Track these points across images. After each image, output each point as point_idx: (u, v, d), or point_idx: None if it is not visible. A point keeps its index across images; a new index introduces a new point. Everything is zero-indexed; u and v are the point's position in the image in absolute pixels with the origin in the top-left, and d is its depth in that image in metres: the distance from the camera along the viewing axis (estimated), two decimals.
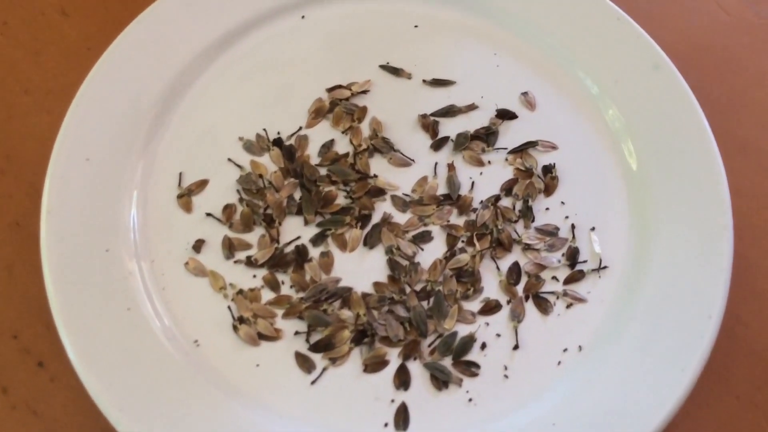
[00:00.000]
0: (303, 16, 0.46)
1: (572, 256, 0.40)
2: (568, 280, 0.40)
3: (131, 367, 0.36)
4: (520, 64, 0.45)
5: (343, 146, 0.43)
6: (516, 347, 0.38)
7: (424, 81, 0.45)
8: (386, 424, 0.36)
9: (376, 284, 0.39)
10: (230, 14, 0.45)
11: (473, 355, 0.38)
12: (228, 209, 0.41)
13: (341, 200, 0.41)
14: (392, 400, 0.37)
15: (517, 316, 0.39)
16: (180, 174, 0.42)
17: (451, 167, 0.42)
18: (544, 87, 0.45)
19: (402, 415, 0.36)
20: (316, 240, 0.40)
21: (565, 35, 0.45)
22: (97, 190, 0.40)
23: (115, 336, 0.36)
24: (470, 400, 0.37)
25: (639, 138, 0.42)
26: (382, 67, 0.45)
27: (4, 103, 0.46)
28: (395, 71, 0.45)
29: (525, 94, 0.44)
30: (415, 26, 0.46)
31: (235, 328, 0.38)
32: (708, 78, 0.47)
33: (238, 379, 0.37)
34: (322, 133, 0.43)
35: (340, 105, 0.44)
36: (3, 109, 0.45)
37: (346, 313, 0.38)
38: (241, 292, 0.39)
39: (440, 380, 0.37)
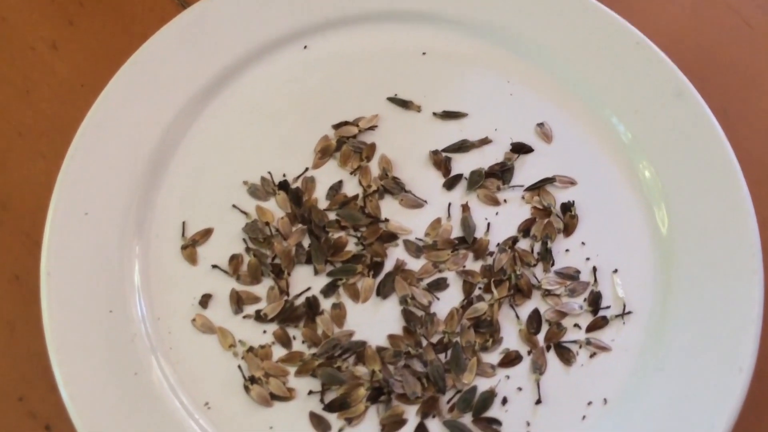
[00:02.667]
0: (305, 47, 0.44)
1: (594, 302, 0.38)
2: (591, 328, 0.38)
3: None
4: (534, 93, 0.43)
5: (351, 187, 0.41)
6: (539, 401, 0.37)
7: (434, 114, 0.43)
8: None
9: (391, 337, 0.38)
10: (228, 48, 0.43)
11: (494, 411, 0.36)
12: (234, 260, 0.39)
13: (352, 247, 0.40)
14: None
15: (538, 368, 0.37)
16: (183, 223, 0.40)
17: (465, 208, 0.40)
18: (561, 117, 0.42)
19: None
20: (327, 291, 0.39)
21: (580, 61, 0.42)
22: (97, 246, 0.38)
23: (123, 402, 0.35)
24: None
25: (663, 170, 0.40)
26: (390, 99, 0.43)
27: None
28: (404, 104, 0.43)
29: (541, 125, 0.42)
30: (423, 53, 0.44)
31: (246, 388, 0.37)
32: (732, 98, 0.45)
33: None
34: (329, 173, 0.41)
35: (348, 143, 0.42)
36: None
37: (361, 370, 0.37)
38: (251, 349, 0.37)
39: None
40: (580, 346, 0.38)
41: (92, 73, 0.45)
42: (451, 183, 0.41)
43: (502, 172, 0.41)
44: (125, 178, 0.40)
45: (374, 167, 0.41)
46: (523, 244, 0.40)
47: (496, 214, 0.41)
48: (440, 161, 0.42)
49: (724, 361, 0.35)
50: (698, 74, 0.43)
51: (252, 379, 0.37)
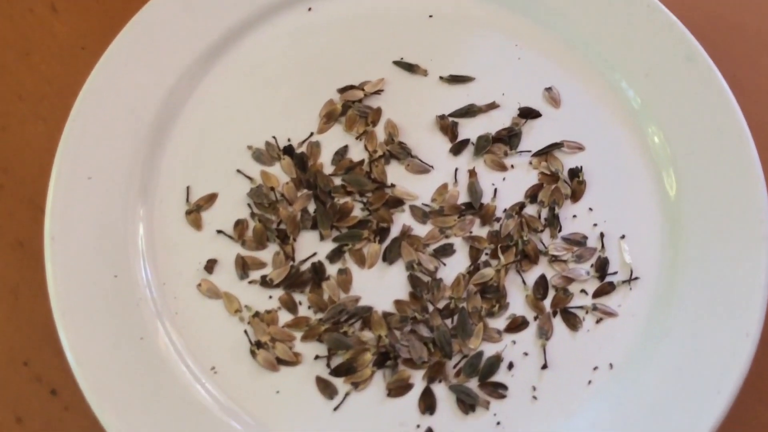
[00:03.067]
0: (309, 9, 0.43)
1: (601, 268, 0.38)
2: (598, 293, 0.38)
3: (147, 400, 0.35)
4: (542, 57, 0.42)
5: (357, 152, 0.41)
6: (544, 366, 0.37)
7: (441, 78, 0.42)
8: None
9: (398, 303, 0.38)
10: (232, 10, 0.42)
11: (500, 376, 0.36)
12: (240, 225, 0.39)
13: (358, 212, 0.39)
14: (418, 426, 0.36)
15: (544, 334, 0.37)
16: (187, 188, 0.40)
17: (472, 173, 0.40)
18: (569, 81, 0.42)
19: None
20: (333, 256, 0.38)
21: (590, 23, 0.42)
22: (101, 211, 0.38)
23: (129, 367, 0.35)
24: (498, 423, 0.36)
25: (672, 136, 0.40)
26: (396, 63, 0.42)
27: None
28: (410, 67, 0.42)
29: (549, 89, 0.42)
30: (430, 16, 0.43)
31: (252, 353, 0.37)
32: (742, 64, 0.44)
33: (258, 408, 0.36)
34: (334, 138, 0.41)
35: (353, 107, 0.41)
36: None
37: (368, 335, 0.37)
38: (257, 314, 0.37)
39: (467, 403, 0.36)
40: (587, 312, 0.38)
41: (92, 35, 0.45)
42: (457, 148, 0.41)
43: (509, 137, 0.41)
44: (128, 143, 0.39)
45: (380, 132, 0.41)
46: (530, 209, 0.40)
47: (503, 179, 0.40)
48: (447, 126, 0.41)
49: (730, 327, 0.35)
50: (709, 39, 0.42)
51: (258, 344, 0.37)
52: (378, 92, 0.42)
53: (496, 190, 0.40)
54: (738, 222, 0.37)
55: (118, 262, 0.37)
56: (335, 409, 0.36)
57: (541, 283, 0.38)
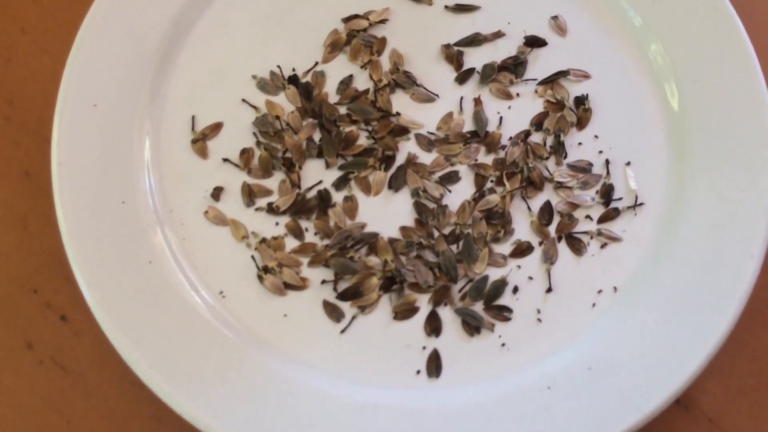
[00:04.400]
0: None
1: (606, 194, 0.38)
2: (603, 219, 0.38)
3: (157, 322, 0.35)
4: None
5: (362, 82, 0.41)
6: (549, 290, 0.37)
7: (446, 7, 0.42)
8: (418, 372, 0.36)
9: (403, 229, 0.38)
10: None
11: (505, 300, 0.37)
12: (245, 154, 0.39)
13: (363, 141, 0.40)
14: (424, 347, 0.36)
15: (549, 258, 0.37)
16: (193, 117, 0.40)
17: (477, 102, 0.40)
18: (575, 9, 0.42)
19: (434, 362, 0.36)
20: (339, 184, 0.39)
21: None
22: (107, 138, 0.38)
23: (139, 290, 0.36)
24: (503, 345, 0.36)
25: (679, 65, 0.40)
26: None
27: (0, 45, 0.43)
28: None
29: (555, 18, 0.41)
30: None
31: (260, 278, 0.37)
32: None
33: (266, 331, 0.36)
34: (339, 67, 0.41)
35: (358, 37, 0.41)
36: (1, 50, 0.43)
37: (374, 260, 0.37)
38: (264, 240, 0.38)
39: (472, 326, 0.36)
40: (591, 237, 0.38)
41: None
42: (463, 77, 0.41)
43: (514, 66, 0.41)
44: (132, 71, 0.39)
45: (385, 61, 0.41)
46: (536, 137, 0.40)
47: (509, 108, 0.40)
48: (452, 55, 0.41)
49: (735, 248, 0.36)
50: None
51: (265, 269, 0.37)
52: (383, 21, 0.41)
53: (501, 118, 0.40)
54: (742, 145, 0.37)
55: (125, 188, 0.37)
56: (342, 332, 0.36)
57: (546, 209, 0.38)
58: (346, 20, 0.41)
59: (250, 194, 0.38)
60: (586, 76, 0.41)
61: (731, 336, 0.35)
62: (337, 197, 0.39)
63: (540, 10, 0.42)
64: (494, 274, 0.37)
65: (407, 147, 0.39)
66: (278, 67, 0.41)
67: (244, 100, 0.40)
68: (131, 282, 0.36)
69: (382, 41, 0.41)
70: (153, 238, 0.37)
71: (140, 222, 0.37)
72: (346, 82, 0.40)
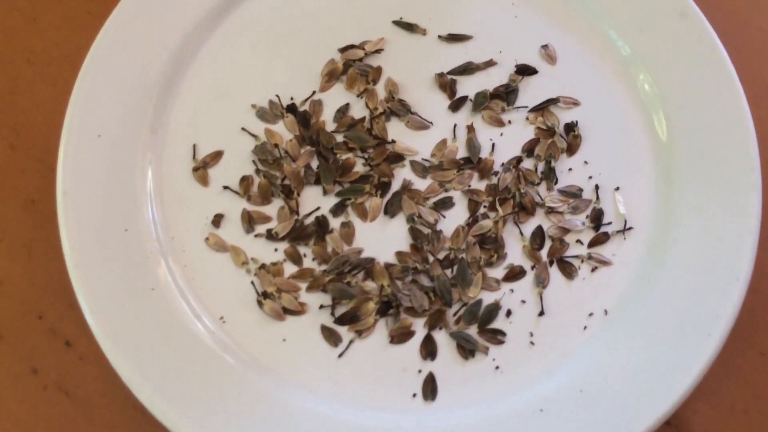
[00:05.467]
0: None
1: (596, 218, 0.39)
2: (593, 243, 0.39)
3: (160, 348, 0.36)
4: (538, 15, 0.43)
5: (358, 110, 0.42)
6: (541, 313, 0.38)
7: (439, 37, 0.43)
8: (414, 395, 0.36)
9: (399, 254, 0.39)
10: None
11: (499, 323, 0.38)
12: (245, 181, 0.40)
13: (359, 168, 0.41)
14: (419, 371, 0.37)
15: (541, 282, 0.38)
16: (194, 146, 0.41)
17: (470, 129, 0.41)
18: (565, 38, 0.43)
19: (430, 386, 0.37)
20: (336, 210, 0.40)
21: None
22: (111, 168, 0.39)
23: (142, 317, 0.36)
24: (497, 368, 0.37)
25: (666, 93, 0.41)
26: (396, 23, 0.43)
27: (7, 75, 0.44)
28: (409, 27, 0.43)
29: (545, 47, 0.43)
30: None
31: (259, 303, 0.38)
32: (733, 20, 0.45)
33: (265, 355, 0.37)
34: (336, 96, 0.42)
35: (354, 66, 0.42)
36: (7, 80, 0.44)
37: (370, 285, 0.38)
38: (263, 266, 0.38)
39: (467, 349, 0.37)
40: (582, 261, 0.39)
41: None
42: (456, 105, 0.42)
43: (506, 94, 0.42)
44: (136, 101, 0.40)
45: (380, 90, 0.42)
46: (527, 163, 0.41)
47: (501, 134, 0.41)
48: (445, 83, 0.42)
49: (721, 271, 0.36)
50: None
51: (265, 295, 0.38)
52: (378, 51, 0.43)
53: (493, 145, 0.41)
54: (728, 171, 0.38)
55: (129, 216, 0.38)
56: (340, 355, 0.37)
57: (538, 234, 0.39)
58: (343, 50, 0.43)
59: (249, 221, 0.39)
60: (576, 104, 0.42)
61: (720, 357, 0.36)
62: (335, 223, 0.39)
63: (530, 39, 0.43)
64: (488, 297, 0.38)
65: (402, 173, 0.40)
66: (277, 96, 0.42)
67: (243, 129, 0.41)
68: (134, 309, 0.36)
69: (378, 70, 0.42)
70: (155, 266, 0.38)
71: (143, 250, 0.38)
72: (343, 111, 0.42)
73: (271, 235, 0.39)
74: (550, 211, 0.40)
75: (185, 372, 0.36)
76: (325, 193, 0.40)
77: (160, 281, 0.37)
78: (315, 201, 0.40)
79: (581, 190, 0.40)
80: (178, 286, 0.38)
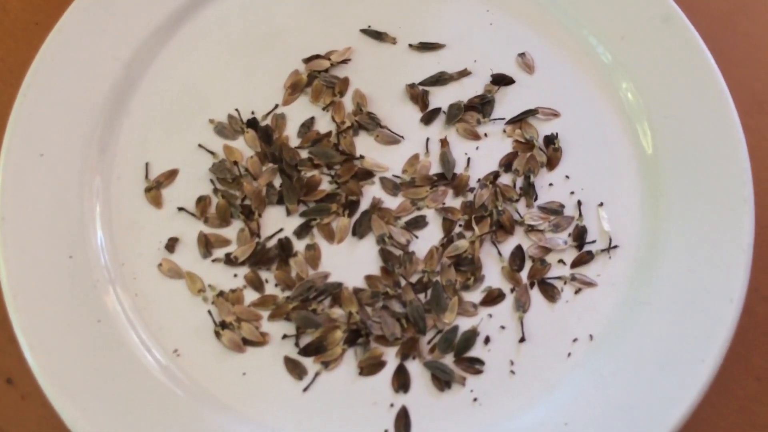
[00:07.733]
0: None
1: (579, 236, 0.37)
2: (576, 263, 0.37)
3: (107, 387, 0.33)
4: (515, 22, 0.41)
5: (324, 124, 0.39)
6: (522, 340, 0.35)
7: (410, 46, 0.41)
8: (386, 431, 0.34)
9: (369, 278, 0.36)
10: None
11: (476, 351, 0.35)
12: (202, 202, 0.37)
13: (326, 186, 0.38)
14: (392, 405, 0.34)
15: (522, 306, 0.36)
16: (146, 164, 0.38)
17: (444, 143, 0.39)
18: (543, 46, 0.41)
19: (403, 420, 0.34)
20: (301, 232, 0.37)
21: None
22: (54, 189, 0.36)
23: (87, 352, 0.34)
24: (475, 399, 0.34)
25: (650, 102, 0.38)
26: (364, 31, 0.41)
27: None
28: (378, 36, 0.41)
29: (522, 55, 0.40)
30: None
31: (217, 334, 0.35)
32: (719, 25, 0.43)
33: (223, 391, 0.34)
34: (300, 110, 0.39)
35: (319, 77, 0.40)
36: None
37: (338, 312, 0.35)
38: (221, 294, 0.36)
39: (442, 380, 0.34)
40: (565, 282, 0.36)
41: (47, 9, 0.43)
42: (428, 117, 0.39)
43: (482, 105, 0.39)
44: (83, 118, 0.37)
45: (348, 102, 0.39)
46: (505, 179, 0.38)
47: (477, 148, 0.39)
48: (417, 95, 0.40)
49: (713, 293, 0.34)
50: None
51: (223, 325, 0.35)
52: (345, 61, 0.40)
53: (469, 159, 0.38)
54: (719, 184, 0.36)
55: (74, 242, 0.35)
56: (305, 390, 0.34)
57: (518, 254, 0.37)
58: (307, 60, 0.40)
59: (206, 244, 0.37)
60: (556, 115, 0.39)
61: (713, 384, 0.33)
62: (299, 246, 0.37)
63: (506, 47, 0.40)
64: (464, 324, 0.35)
65: (372, 191, 0.38)
66: (236, 110, 0.39)
67: (200, 146, 0.38)
68: (79, 343, 0.34)
69: (345, 82, 0.40)
70: (103, 295, 0.35)
71: (89, 278, 0.35)
72: (308, 125, 0.39)
73: (230, 260, 0.36)
74: (530, 229, 0.37)
75: (135, 412, 0.33)
76: (288, 213, 0.37)
77: (108, 312, 0.35)
78: (278, 222, 0.37)
79: (563, 206, 0.38)
80: (127, 316, 0.35)
